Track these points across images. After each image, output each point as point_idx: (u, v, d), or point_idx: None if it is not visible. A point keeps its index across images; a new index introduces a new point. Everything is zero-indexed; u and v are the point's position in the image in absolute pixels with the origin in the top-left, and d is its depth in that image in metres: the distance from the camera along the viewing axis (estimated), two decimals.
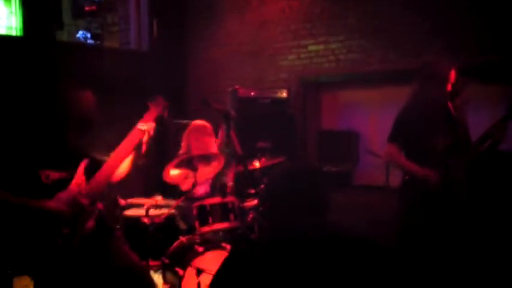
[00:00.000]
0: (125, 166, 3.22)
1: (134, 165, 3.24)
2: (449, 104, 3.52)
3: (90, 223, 2.89)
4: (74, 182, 2.88)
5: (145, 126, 3.16)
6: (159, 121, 3.28)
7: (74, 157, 2.96)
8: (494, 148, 3.46)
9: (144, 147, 3.19)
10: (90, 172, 2.97)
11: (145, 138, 3.16)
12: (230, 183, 4.80)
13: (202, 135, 4.79)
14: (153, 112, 3.26)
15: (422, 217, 3.57)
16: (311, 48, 6.56)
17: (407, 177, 3.70)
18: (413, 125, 3.60)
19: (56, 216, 2.76)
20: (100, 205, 2.97)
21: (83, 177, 2.93)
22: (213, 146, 4.86)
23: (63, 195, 2.80)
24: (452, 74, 3.54)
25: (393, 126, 3.76)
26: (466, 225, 3.56)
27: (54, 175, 2.84)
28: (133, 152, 3.19)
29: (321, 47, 6.46)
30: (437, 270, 3.47)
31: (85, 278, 2.88)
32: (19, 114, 5.28)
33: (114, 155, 3.07)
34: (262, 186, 4.45)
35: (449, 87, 3.51)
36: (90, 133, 3.05)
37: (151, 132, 3.18)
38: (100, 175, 2.98)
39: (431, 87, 3.56)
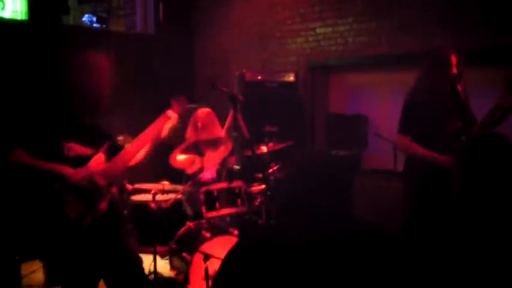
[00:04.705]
0: (142, 152, 3.21)
1: (152, 153, 3.24)
2: (459, 87, 3.48)
3: (103, 205, 2.92)
4: (94, 160, 2.89)
5: (173, 115, 3.16)
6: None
7: (97, 136, 3.00)
8: (504, 118, 3.43)
9: (166, 134, 3.21)
10: (110, 154, 3.01)
11: (168, 126, 3.17)
12: (236, 167, 4.78)
13: (207, 122, 4.76)
14: (175, 109, 3.25)
15: (427, 200, 3.58)
16: (319, 31, 6.48)
17: (413, 162, 3.69)
18: (422, 112, 3.58)
19: (72, 183, 2.78)
20: (114, 189, 2.99)
21: (104, 158, 2.94)
22: (219, 131, 4.83)
23: (82, 170, 2.82)
24: (453, 57, 3.51)
25: (401, 117, 3.74)
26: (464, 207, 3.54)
27: (76, 149, 2.87)
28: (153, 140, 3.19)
29: (329, 29, 6.38)
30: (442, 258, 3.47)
31: (90, 258, 2.89)
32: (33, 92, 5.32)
33: (137, 140, 3.08)
34: (270, 170, 4.42)
35: (454, 70, 3.49)
36: (107, 106, 3.06)
37: (176, 123, 3.18)
38: (120, 158, 3.01)
39: (438, 72, 3.55)
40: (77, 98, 2.93)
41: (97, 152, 2.95)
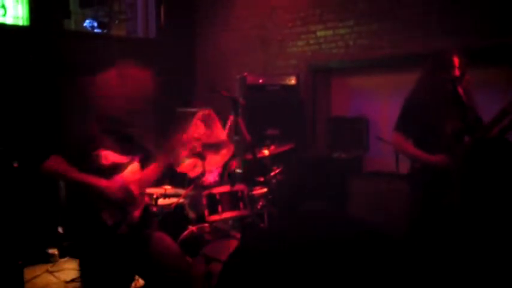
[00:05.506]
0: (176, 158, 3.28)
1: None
2: (459, 89, 3.48)
3: (138, 212, 2.93)
4: (129, 169, 2.91)
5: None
6: None
7: (132, 145, 3.05)
8: None
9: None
10: (144, 163, 3.06)
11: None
12: (239, 171, 4.78)
13: (209, 120, 4.75)
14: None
15: (432, 204, 3.56)
16: (320, 34, 6.49)
17: (417, 165, 3.69)
18: (421, 112, 3.59)
19: (108, 196, 2.79)
20: (147, 198, 3.03)
21: (139, 167, 2.96)
22: (221, 133, 4.82)
23: (118, 179, 2.84)
24: (456, 59, 3.51)
25: (399, 115, 3.76)
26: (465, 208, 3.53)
27: (113, 158, 2.88)
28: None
29: (330, 32, 6.39)
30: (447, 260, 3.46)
31: (126, 264, 2.93)
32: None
33: (167, 147, 3.17)
34: (271, 174, 4.41)
35: (456, 72, 3.49)
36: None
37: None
38: (154, 167, 3.05)
39: (438, 74, 3.55)
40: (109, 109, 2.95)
41: (132, 160, 2.97)
